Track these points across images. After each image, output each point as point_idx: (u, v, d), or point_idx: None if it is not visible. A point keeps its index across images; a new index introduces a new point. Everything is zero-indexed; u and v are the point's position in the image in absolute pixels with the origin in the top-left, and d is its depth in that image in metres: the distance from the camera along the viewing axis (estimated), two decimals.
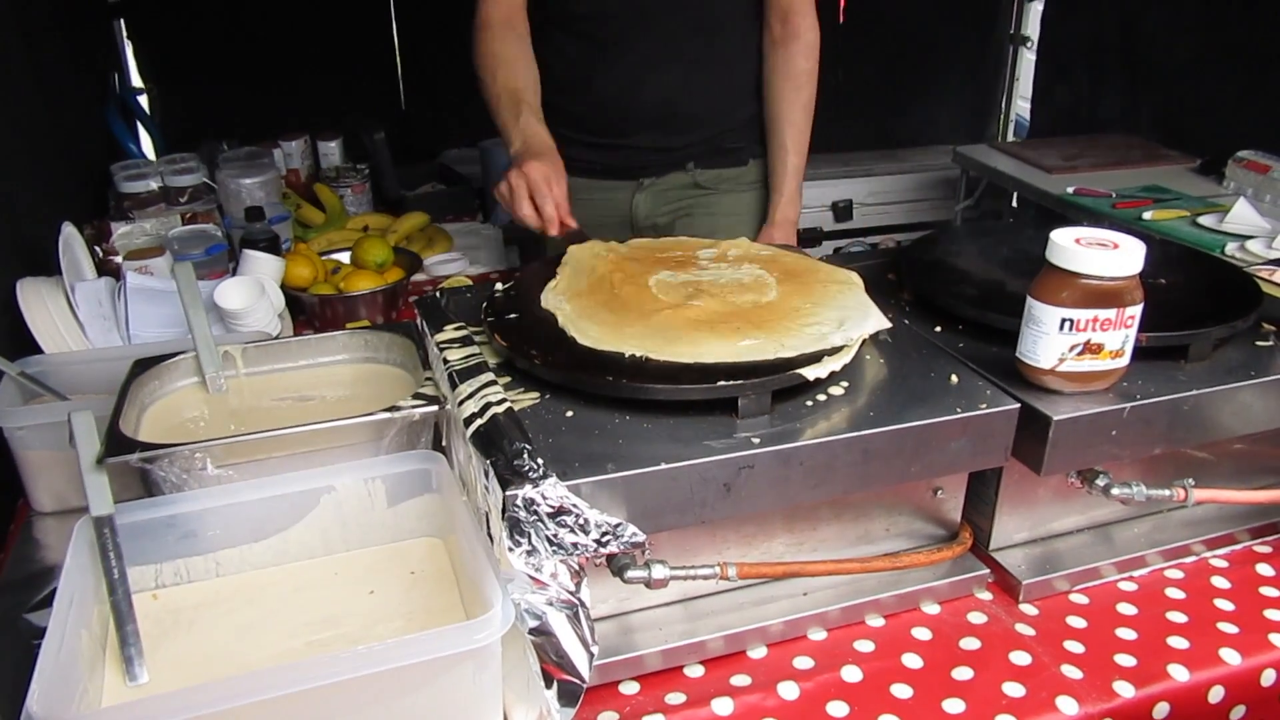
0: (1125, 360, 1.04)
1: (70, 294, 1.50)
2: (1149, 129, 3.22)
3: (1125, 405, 1.04)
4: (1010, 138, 4.22)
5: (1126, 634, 1.04)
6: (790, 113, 1.80)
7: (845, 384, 1.04)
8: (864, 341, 1.07)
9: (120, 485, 1.03)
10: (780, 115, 1.81)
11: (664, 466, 0.89)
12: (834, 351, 1.02)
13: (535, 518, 0.85)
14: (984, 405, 1.00)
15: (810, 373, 0.99)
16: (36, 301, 1.46)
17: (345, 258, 1.94)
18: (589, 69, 1.77)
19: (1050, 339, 1.02)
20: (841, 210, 3.51)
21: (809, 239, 3.52)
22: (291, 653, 0.97)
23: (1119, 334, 1.02)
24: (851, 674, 0.98)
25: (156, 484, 1.05)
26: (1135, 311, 1.01)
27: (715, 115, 1.86)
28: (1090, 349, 1.02)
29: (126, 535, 0.98)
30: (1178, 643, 1.03)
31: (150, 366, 1.22)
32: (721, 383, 0.96)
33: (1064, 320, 1.00)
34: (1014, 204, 3.22)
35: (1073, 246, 0.99)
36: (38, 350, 1.45)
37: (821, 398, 1.02)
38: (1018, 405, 1.01)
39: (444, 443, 1.14)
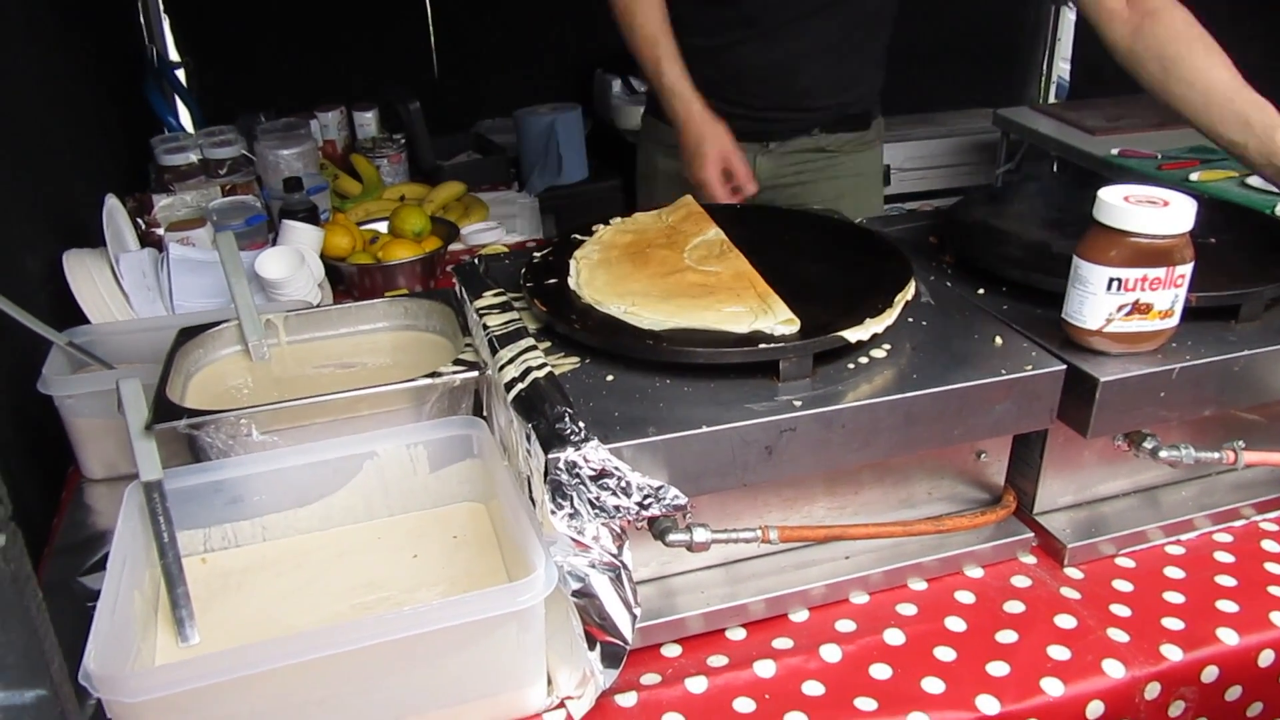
0: (1175, 320, 1.02)
1: (115, 265, 1.52)
2: None
3: (1174, 366, 1.02)
4: (1051, 99, 4.14)
5: (1174, 598, 1.03)
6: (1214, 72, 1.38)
7: (888, 346, 1.03)
8: (905, 304, 1.06)
9: (168, 451, 1.04)
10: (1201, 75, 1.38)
11: (705, 429, 0.89)
12: (876, 313, 1.00)
13: (577, 481, 0.85)
14: (1029, 367, 0.99)
15: (852, 335, 0.98)
16: (82, 273, 1.48)
17: (383, 227, 1.94)
18: (732, 42, 1.75)
19: (1098, 299, 1.00)
20: None
21: None
22: (337, 615, 0.98)
23: (1168, 293, 1.00)
24: (894, 637, 0.98)
25: (203, 450, 1.07)
26: (1185, 270, 0.99)
27: (849, 93, 1.86)
28: (1139, 309, 1.00)
29: (175, 500, 1.00)
30: (1227, 606, 1.01)
31: (195, 335, 1.23)
32: (763, 345, 0.95)
33: (1112, 280, 0.98)
34: (1054, 168, 3.16)
35: (1121, 204, 0.97)
36: (84, 321, 1.47)
37: (863, 360, 1.01)
38: (1063, 367, 1.00)
39: (484, 409, 1.15)
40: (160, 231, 1.83)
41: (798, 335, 0.97)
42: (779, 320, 0.98)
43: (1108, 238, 0.98)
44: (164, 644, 0.93)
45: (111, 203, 1.63)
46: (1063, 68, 4.13)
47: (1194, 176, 2.37)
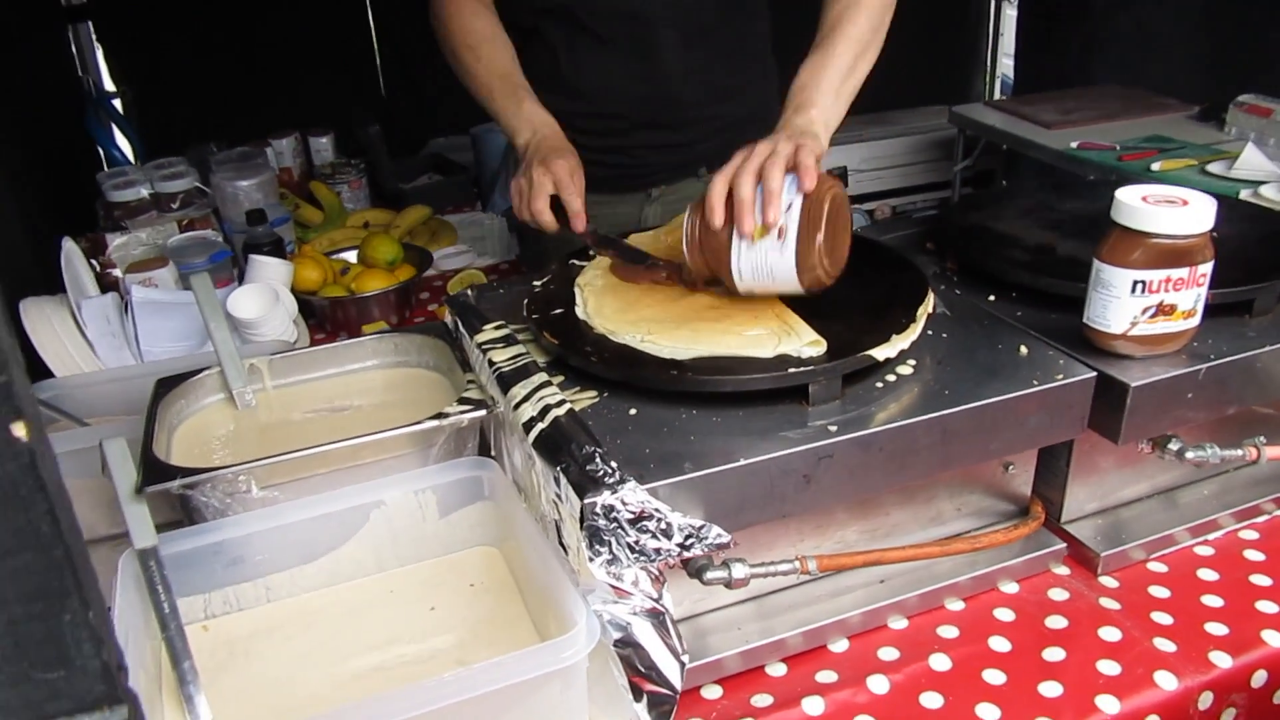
0: (1197, 320, 1.01)
1: (76, 312, 1.44)
2: (1137, 79, 3.18)
3: (1200, 366, 1.00)
4: (997, 95, 4.18)
5: (1213, 601, 1.01)
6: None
7: (913, 362, 1.00)
8: (928, 316, 1.03)
9: (153, 509, 0.98)
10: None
11: (743, 462, 0.85)
12: (901, 329, 0.97)
13: (615, 525, 0.81)
14: (1060, 376, 0.96)
15: (880, 353, 0.95)
16: (42, 323, 1.40)
17: (351, 257, 1.88)
18: (575, 59, 1.59)
19: (1122, 302, 0.98)
20: (836, 178, 3.47)
21: None
22: (355, 676, 0.93)
23: (1191, 293, 0.98)
24: (940, 662, 0.95)
25: (198, 510, 1.00)
26: (1207, 269, 0.98)
27: (722, 101, 1.65)
28: (1163, 310, 0.98)
29: (171, 565, 0.93)
30: (1266, 607, 1.00)
31: (175, 385, 1.16)
32: (792, 370, 0.92)
33: (1136, 282, 0.97)
34: (1003, 161, 3.18)
35: (1142, 206, 0.95)
36: (47, 374, 1.39)
37: (891, 378, 0.98)
38: (1094, 374, 0.98)
39: (492, 447, 1.09)
40: (117, 273, 1.74)
41: (825, 356, 0.94)
42: (804, 342, 0.95)
43: (1130, 240, 0.96)
44: None
45: (69, 246, 1.55)
46: (1005, 64, 4.17)
47: (1155, 166, 2.38)
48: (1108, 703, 0.89)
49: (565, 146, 1.35)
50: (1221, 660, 0.93)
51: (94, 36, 3.11)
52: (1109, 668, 0.93)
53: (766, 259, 0.99)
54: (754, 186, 1.00)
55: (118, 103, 3.10)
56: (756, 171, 1.01)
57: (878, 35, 1.30)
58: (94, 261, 1.78)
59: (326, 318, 1.75)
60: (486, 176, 2.77)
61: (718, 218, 1.01)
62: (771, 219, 0.99)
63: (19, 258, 1.72)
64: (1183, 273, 0.96)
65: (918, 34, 3.90)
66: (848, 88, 1.25)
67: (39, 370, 1.40)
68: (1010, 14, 4.04)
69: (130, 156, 2.86)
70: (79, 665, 0.36)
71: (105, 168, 2.63)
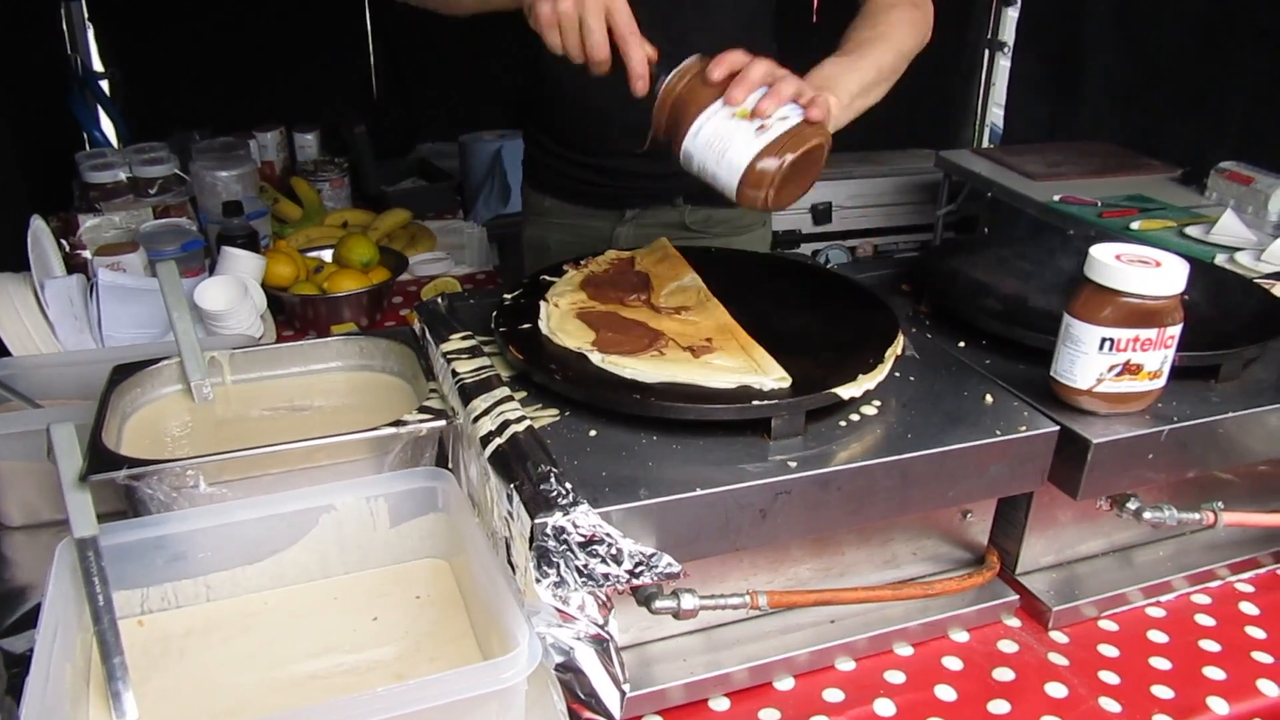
0: (1163, 381, 1.01)
1: (40, 292, 1.41)
2: (1125, 137, 3.22)
3: (1163, 428, 1.00)
4: (985, 144, 4.22)
5: (1160, 664, 1.01)
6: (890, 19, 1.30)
7: (878, 403, 0.99)
8: (895, 358, 1.03)
9: (98, 498, 0.95)
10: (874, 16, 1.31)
11: (700, 492, 0.84)
12: (868, 369, 0.97)
13: (565, 547, 0.80)
14: (1023, 427, 0.96)
15: (845, 392, 0.94)
16: (4, 300, 1.38)
17: (326, 255, 1.86)
18: (570, 72, 1.62)
19: (1089, 359, 0.98)
20: (820, 213, 3.48)
21: (788, 241, 3.49)
22: (290, 683, 0.90)
23: (1159, 354, 0.98)
24: (884, 708, 0.94)
25: (143, 502, 0.98)
26: (1175, 332, 0.98)
27: None
28: (1129, 369, 0.98)
29: (110, 557, 0.91)
30: (1213, 673, 1.00)
31: (131, 373, 1.14)
32: (756, 402, 0.91)
33: (1104, 340, 0.97)
34: (986, 209, 3.20)
35: (1115, 264, 0.96)
36: (4, 352, 1.36)
37: (855, 417, 0.97)
38: (1057, 428, 0.97)
39: (449, 459, 1.08)
40: (86, 254, 1.72)
41: (789, 391, 0.93)
42: (770, 376, 0.94)
43: (1101, 297, 0.97)
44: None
45: (37, 224, 1.52)
46: (995, 113, 4.21)
47: (1134, 225, 2.41)
48: None
49: None
50: None
51: (85, 15, 3.08)
52: None
53: (732, 136, 0.98)
54: (763, 80, 1.00)
55: (105, 84, 3.07)
56: (771, 74, 1.00)
57: (895, 72, 1.28)
58: (64, 242, 1.76)
59: (296, 315, 1.73)
60: (471, 185, 2.76)
61: (719, 71, 0.99)
62: (765, 108, 0.98)
63: None
64: (1151, 333, 0.97)
65: (911, 77, 3.94)
66: (859, 103, 1.20)
67: None
68: (1004, 64, 4.09)
69: (113, 139, 2.83)
70: None
71: (87, 149, 2.60)
